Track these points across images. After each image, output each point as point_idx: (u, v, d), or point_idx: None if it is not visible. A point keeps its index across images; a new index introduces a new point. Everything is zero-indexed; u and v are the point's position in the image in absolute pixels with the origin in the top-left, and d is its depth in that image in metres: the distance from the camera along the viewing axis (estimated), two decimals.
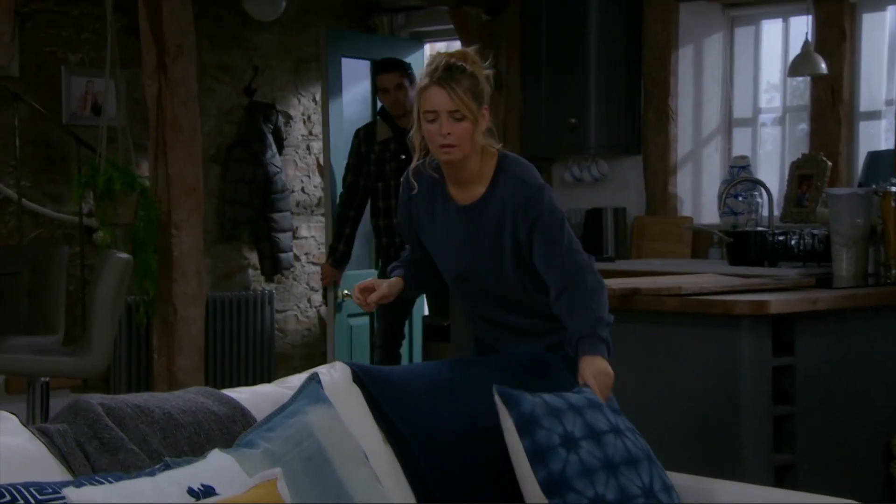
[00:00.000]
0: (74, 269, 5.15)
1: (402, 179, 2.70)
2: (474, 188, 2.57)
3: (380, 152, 4.92)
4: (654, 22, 5.15)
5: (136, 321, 4.61)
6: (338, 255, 5.11)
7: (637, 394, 3.41)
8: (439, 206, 2.62)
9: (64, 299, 4.00)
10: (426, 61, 2.56)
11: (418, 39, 6.36)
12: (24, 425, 1.98)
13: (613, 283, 3.68)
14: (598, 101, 5.10)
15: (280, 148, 6.01)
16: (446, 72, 2.46)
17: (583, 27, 5.08)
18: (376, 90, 5.06)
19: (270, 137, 5.90)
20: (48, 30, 5.37)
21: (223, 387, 5.59)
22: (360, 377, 2.51)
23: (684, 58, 5.18)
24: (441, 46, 6.57)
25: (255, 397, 2.30)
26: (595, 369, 2.43)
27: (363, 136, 5.00)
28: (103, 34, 4.78)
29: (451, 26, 5.57)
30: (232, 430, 2.18)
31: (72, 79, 5.39)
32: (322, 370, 2.50)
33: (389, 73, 4.88)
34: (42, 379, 3.50)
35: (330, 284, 5.31)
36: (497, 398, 2.24)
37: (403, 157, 4.82)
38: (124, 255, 3.52)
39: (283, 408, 2.16)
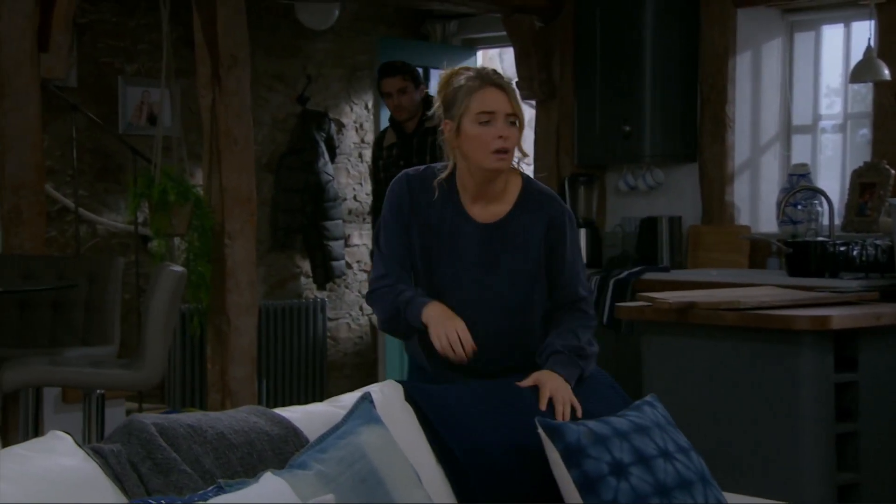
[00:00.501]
0: (130, 277, 5.20)
1: (399, 184, 2.47)
2: (497, 206, 2.44)
3: (386, 158, 4.92)
4: (711, 28, 5.07)
5: (190, 331, 4.64)
6: None
7: (693, 410, 3.34)
8: (453, 222, 2.44)
9: (119, 311, 4.03)
10: (458, 72, 2.43)
11: (470, 46, 6.33)
12: (79, 445, 1.98)
13: (669, 296, 3.61)
14: (653, 108, 5.03)
15: (332, 156, 6.02)
16: (497, 75, 2.41)
17: (638, 33, 5.01)
18: (381, 94, 4.93)
19: (323, 146, 5.91)
20: (106, 40, 5.43)
21: (276, 396, 5.65)
22: (413, 396, 2.48)
23: (742, 64, 5.08)
24: (493, 53, 6.55)
25: (308, 417, 2.28)
26: (556, 385, 2.36)
27: (376, 142, 5.11)
28: (159, 44, 4.82)
29: (504, 33, 5.53)
30: (284, 450, 2.16)
31: (128, 89, 5.45)
32: (374, 389, 2.48)
33: (391, 76, 4.79)
34: (98, 391, 3.52)
35: None
36: (541, 431, 2.19)
37: (402, 163, 4.77)
38: (178, 269, 3.53)
39: (335, 428, 2.14)
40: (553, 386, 2.34)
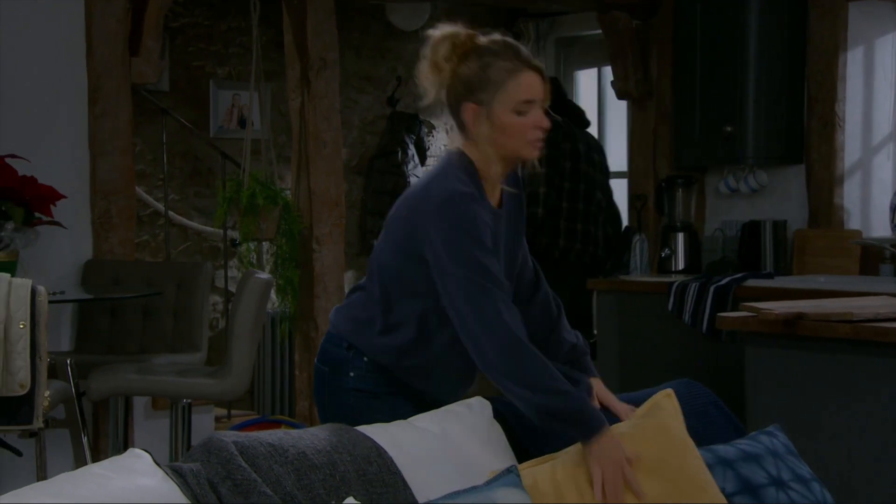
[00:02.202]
0: (220, 281, 5.20)
1: (471, 205, 2.08)
2: (498, 187, 2.22)
3: None
4: (820, 23, 4.83)
5: (279, 335, 4.61)
6: None
7: (804, 430, 3.15)
8: (488, 212, 2.19)
9: (208, 317, 4.02)
10: (477, 44, 2.10)
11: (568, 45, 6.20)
12: (157, 465, 1.92)
13: (775, 306, 3.43)
14: (756, 107, 4.82)
15: (423, 158, 5.94)
16: (529, 53, 2.14)
17: (741, 29, 4.81)
18: None
19: (413, 148, 5.84)
20: (197, 44, 5.44)
21: None
22: (502, 413, 2.37)
23: (853, 61, 4.84)
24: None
25: (390, 435, 2.20)
26: (612, 396, 2.24)
27: None
28: (250, 48, 4.81)
29: (599, 31, 5.37)
30: (367, 471, 2.07)
31: (219, 92, 5.46)
32: (462, 405, 2.38)
33: None
34: (185, 400, 3.50)
35: None
36: None
37: None
38: (264, 276, 3.48)
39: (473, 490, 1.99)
40: (616, 401, 2.23)
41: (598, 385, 2.26)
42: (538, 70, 2.10)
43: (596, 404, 2.19)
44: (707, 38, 4.93)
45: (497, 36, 2.14)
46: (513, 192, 2.24)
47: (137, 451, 1.94)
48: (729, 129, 4.82)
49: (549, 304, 2.35)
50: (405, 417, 2.18)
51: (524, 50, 2.13)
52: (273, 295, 4.38)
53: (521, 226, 2.29)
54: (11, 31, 3.79)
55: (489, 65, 2.08)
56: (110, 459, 1.92)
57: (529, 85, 2.08)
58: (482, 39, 2.13)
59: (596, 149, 5.18)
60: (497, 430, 2.31)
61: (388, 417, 2.19)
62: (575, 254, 5.04)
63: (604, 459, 1.93)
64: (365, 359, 2.26)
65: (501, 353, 2.04)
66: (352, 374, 2.28)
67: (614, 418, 2.16)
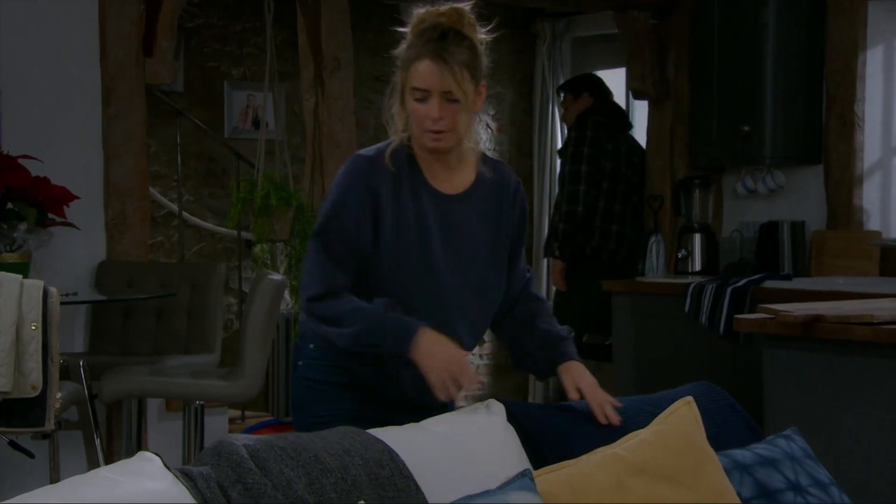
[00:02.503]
0: (234, 281, 5.19)
1: (353, 168, 2.10)
2: (463, 172, 2.16)
3: None
4: (839, 21, 4.77)
5: (293, 336, 4.58)
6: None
7: (822, 433, 3.11)
8: (414, 196, 2.12)
9: (222, 318, 4.00)
10: (413, 19, 2.12)
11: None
12: (167, 468, 1.90)
13: (793, 308, 3.38)
14: (774, 107, 4.77)
15: None
16: (441, 41, 2.05)
17: (759, 28, 4.76)
18: None
19: None
20: (212, 45, 5.43)
21: None
22: (516, 416, 2.34)
23: (873, 60, 4.78)
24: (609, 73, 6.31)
25: (402, 438, 2.17)
26: (590, 378, 2.22)
27: None
28: (265, 48, 4.79)
29: (616, 31, 5.34)
30: (379, 475, 2.05)
31: (233, 93, 5.45)
32: (476, 407, 2.35)
33: (558, 94, 5.35)
34: (198, 402, 3.48)
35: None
36: None
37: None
38: (277, 277, 3.47)
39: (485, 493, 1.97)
40: (588, 380, 2.21)
41: (575, 367, 2.23)
42: (439, 60, 2.03)
43: (571, 392, 2.19)
44: (725, 36, 4.89)
45: (434, 18, 2.08)
46: (493, 181, 2.18)
47: (147, 454, 1.92)
48: (746, 128, 4.77)
49: (527, 309, 2.29)
50: (348, 410, 2.16)
51: (439, 37, 2.05)
52: (287, 296, 4.36)
53: (501, 217, 2.20)
54: (26, 32, 3.79)
55: (410, 46, 2.09)
56: (120, 463, 1.90)
57: (423, 73, 2.04)
58: (425, 17, 2.10)
59: (637, 152, 5.19)
60: (511, 433, 2.28)
61: (330, 409, 2.17)
62: (608, 253, 5.02)
63: (427, 361, 2.04)
64: (311, 346, 2.23)
65: (313, 309, 2.14)
66: (300, 362, 2.25)
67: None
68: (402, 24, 2.19)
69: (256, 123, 5.37)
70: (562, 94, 5.18)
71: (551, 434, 2.30)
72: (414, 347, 2.06)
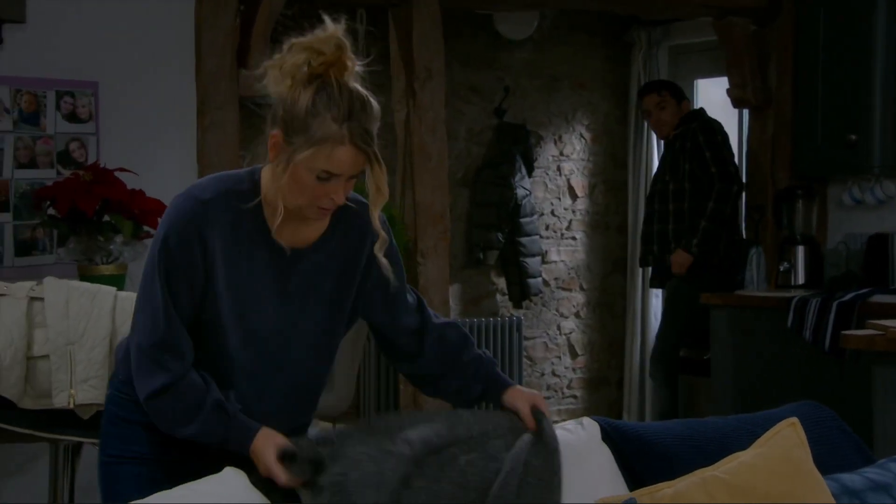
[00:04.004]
0: None
1: (185, 209, 1.90)
2: (310, 226, 1.96)
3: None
4: None
5: None
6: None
7: None
8: (253, 245, 1.94)
9: None
10: (287, 53, 1.86)
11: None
12: (253, 485, 1.89)
13: None
14: (883, 114, 4.59)
15: (530, 170, 5.84)
16: (361, 117, 1.85)
17: (867, 33, 4.59)
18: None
19: (520, 159, 5.74)
20: None
21: None
22: (611, 435, 2.26)
23: None
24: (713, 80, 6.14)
25: (569, 435, 2.17)
26: (530, 395, 2.07)
27: None
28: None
29: (714, 38, 5.20)
30: None
31: None
32: (569, 425, 2.29)
33: (648, 94, 5.09)
34: None
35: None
36: None
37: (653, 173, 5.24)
38: None
39: None
40: (525, 399, 2.07)
41: (518, 391, 2.09)
42: (362, 145, 1.85)
43: (529, 420, 2.04)
44: (831, 42, 4.73)
45: (357, 88, 1.88)
46: (348, 227, 1.99)
47: (230, 469, 1.90)
48: (853, 137, 4.61)
49: (444, 340, 2.11)
50: (146, 455, 1.99)
51: (355, 108, 1.85)
52: None
53: (356, 269, 2.01)
54: (122, 44, 3.85)
55: (318, 113, 1.84)
56: (208, 478, 1.89)
57: (340, 160, 1.85)
58: (341, 76, 1.87)
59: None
60: (606, 452, 2.21)
61: (124, 450, 2.01)
62: (729, 263, 4.88)
63: (256, 461, 1.90)
64: (120, 377, 2.07)
65: (142, 399, 1.95)
66: (109, 391, 2.10)
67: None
68: (496, 35, 2.06)
69: None
70: (660, 93, 5.03)
71: (647, 454, 2.22)
72: (251, 447, 1.91)
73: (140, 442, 1.99)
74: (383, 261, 2.01)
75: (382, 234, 2.00)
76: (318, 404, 2.13)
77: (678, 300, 4.95)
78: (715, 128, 4.91)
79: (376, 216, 1.97)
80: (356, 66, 1.91)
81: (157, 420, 1.94)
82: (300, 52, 1.87)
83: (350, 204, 1.99)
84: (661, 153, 5.23)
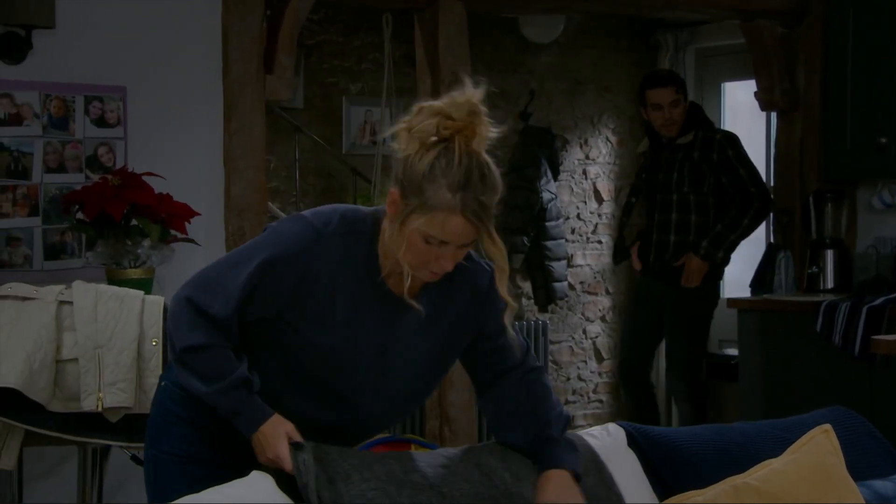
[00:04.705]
0: None
1: (300, 239, 1.89)
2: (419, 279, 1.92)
3: (639, 167, 4.96)
4: None
5: None
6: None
7: None
8: (362, 289, 1.92)
9: None
10: (417, 121, 1.85)
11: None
12: (280, 489, 1.88)
13: None
14: None
15: (556, 173, 5.82)
16: (477, 188, 1.82)
17: None
18: (644, 105, 4.77)
19: (546, 163, 5.73)
20: (331, 61, 5.47)
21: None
22: (637, 441, 2.25)
23: None
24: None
25: (595, 441, 2.17)
26: (564, 485, 1.93)
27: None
28: (383, 63, 4.80)
29: (741, 41, 5.16)
30: (584, 482, 2.02)
31: (352, 109, 5.47)
32: (596, 431, 2.27)
33: (664, 87, 4.67)
34: None
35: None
36: None
37: (644, 175, 4.83)
38: None
39: None
40: (556, 491, 1.92)
41: (555, 482, 1.94)
42: (475, 218, 1.82)
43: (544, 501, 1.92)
44: (861, 44, 4.67)
45: (480, 157, 1.84)
46: (460, 282, 1.94)
47: (258, 474, 1.90)
48: (883, 140, 4.55)
49: (525, 378, 2.07)
50: (196, 454, 1.99)
51: (474, 181, 1.82)
52: None
53: (464, 321, 1.98)
54: (149, 50, 3.86)
55: (434, 179, 1.82)
56: (236, 482, 1.89)
57: (451, 230, 1.82)
58: (469, 143, 1.85)
59: None
60: (632, 458, 2.20)
61: (176, 448, 2.00)
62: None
63: (257, 450, 1.89)
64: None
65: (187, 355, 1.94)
66: (163, 383, 2.10)
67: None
68: (522, 39, 2.05)
69: (375, 139, 5.39)
70: (677, 89, 4.68)
71: (675, 460, 2.20)
72: (256, 432, 1.91)
73: (193, 441, 2.00)
74: (510, 332, 2.01)
75: (511, 303, 1.97)
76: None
77: (696, 309, 4.75)
78: (737, 140, 4.76)
79: (502, 287, 1.92)
80: (489, 132, 1.88)
81: (181, 372, 1.94)
82: (431, 117, 1.86)
83: (465, 263, 1.95)
84: (666, 157, 4.72)
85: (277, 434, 1.89)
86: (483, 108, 1.87)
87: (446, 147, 1.85)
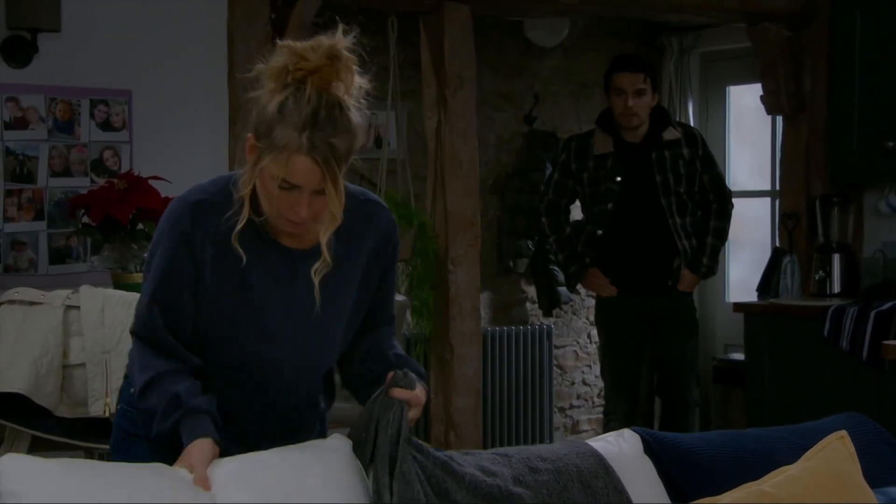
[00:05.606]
0: None
1: (179, 214, 1.87)
2: (314, 226, 1.86)
3: (594, 169, 4.27)
4: None
5: (414, 357, 4.54)
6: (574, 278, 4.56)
7: None
8: (257, 254, 1.87)
9: None
10: (274, 58, 1.79)
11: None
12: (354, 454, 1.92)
13: None
14: None
15: None
16: (325, 128, 1.76)
17: None
18: (608, 90, 4.27)
19: (550, 166, 5.71)
20: None
21: (499, 426, 5.44)
22: (653, 447, 2.23)
23: None
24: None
25: (611, 448, 2.16)
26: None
27: (574, 150, 4.36)
28: (388, 67, 4.79)
29: (747, 45, 5.15)
30: (594, 485, 2.05)
31: None
32: (610, 437, 2.26)
33: (632, 72, 4.14)
34: None
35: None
36: None
37: (619, 179, 4.20)
38: (399, 297, 3.42)
39: None
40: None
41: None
42: (320, 158, 1.75)
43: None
44: (867, 47, 4.67)
45: (336, 99, 1.78)
46: (356, 233, 1.91)
47: (341, 435, 1.96)
48: (891, 143, 4.54)
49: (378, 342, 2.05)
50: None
51: (318, 117, 1.75)
52: (408, 316, 4.33)
53: (357, 278, 1.93)
54: (155, 53, 3.86)
55: (282, 119, 1.76)
56: (313, 442, 1.98)
57: (297, 171, 1.76)
58: (326, 86, 1.79)
59: None
60: (648, 465, 2.18)
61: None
62: None
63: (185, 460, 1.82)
64: (132, 389, 2.01)
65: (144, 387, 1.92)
66: (119, 405, 2.05)
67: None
68: (526, 43, 2.01)
69: (379, 143, 5.37)
70: (646, 77, 4.16)
71: (691, 467, 2.19)
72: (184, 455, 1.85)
73: (154, 459, 1.89)
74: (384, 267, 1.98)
75: (392, 240, 1.98)
76: (333, 382, 2.12)
77: (693, 312, 4.50)
78: (704, 139, 4.41)
79: (324, 239, 1.84)
80: (355, 81, 1.83)
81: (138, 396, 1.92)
82: (282, 56, 1.80)
83: (365, 200, 1.96)
84: (614, 150, 4.25)
85: (202, 456, 1.82)
86: (349, 56, 1.81)
87: (297, 88, 1.78)
